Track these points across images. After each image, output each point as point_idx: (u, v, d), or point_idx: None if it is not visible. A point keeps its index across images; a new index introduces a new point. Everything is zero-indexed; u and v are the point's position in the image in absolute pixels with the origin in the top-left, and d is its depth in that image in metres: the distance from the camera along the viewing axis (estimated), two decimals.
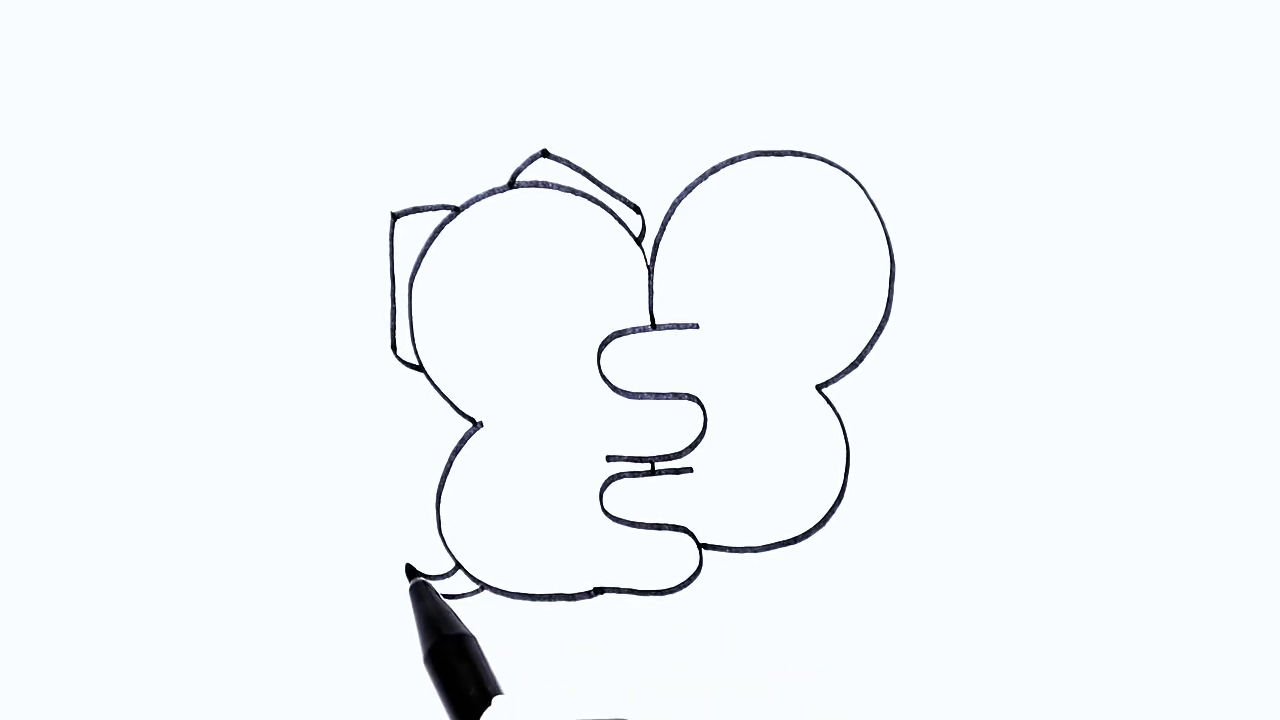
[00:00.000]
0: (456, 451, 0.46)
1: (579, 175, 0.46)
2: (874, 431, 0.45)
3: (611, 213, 0.46)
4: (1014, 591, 0.45)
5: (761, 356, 0.46)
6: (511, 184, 0.46)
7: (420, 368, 0.46)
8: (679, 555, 0.45)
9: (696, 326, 0.46)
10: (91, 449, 0.45)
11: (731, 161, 0.46)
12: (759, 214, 0.46)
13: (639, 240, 0.46)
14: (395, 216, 0.46)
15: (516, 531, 0.45)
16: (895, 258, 0.46)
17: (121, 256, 0.46)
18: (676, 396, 0.46)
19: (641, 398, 0.46)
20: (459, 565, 0.45)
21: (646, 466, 0.46)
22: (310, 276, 0.46)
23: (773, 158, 0.46)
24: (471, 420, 0.46)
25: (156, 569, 0.45)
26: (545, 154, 0.46)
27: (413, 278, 0.46)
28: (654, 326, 0.46)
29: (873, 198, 0.46)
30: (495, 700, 0.39)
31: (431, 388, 0.46)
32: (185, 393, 0.46)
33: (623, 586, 0.45)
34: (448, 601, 0.44)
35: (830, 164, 0.46)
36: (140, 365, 0.46)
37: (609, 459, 0.46)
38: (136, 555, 0.45)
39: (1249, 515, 0.45)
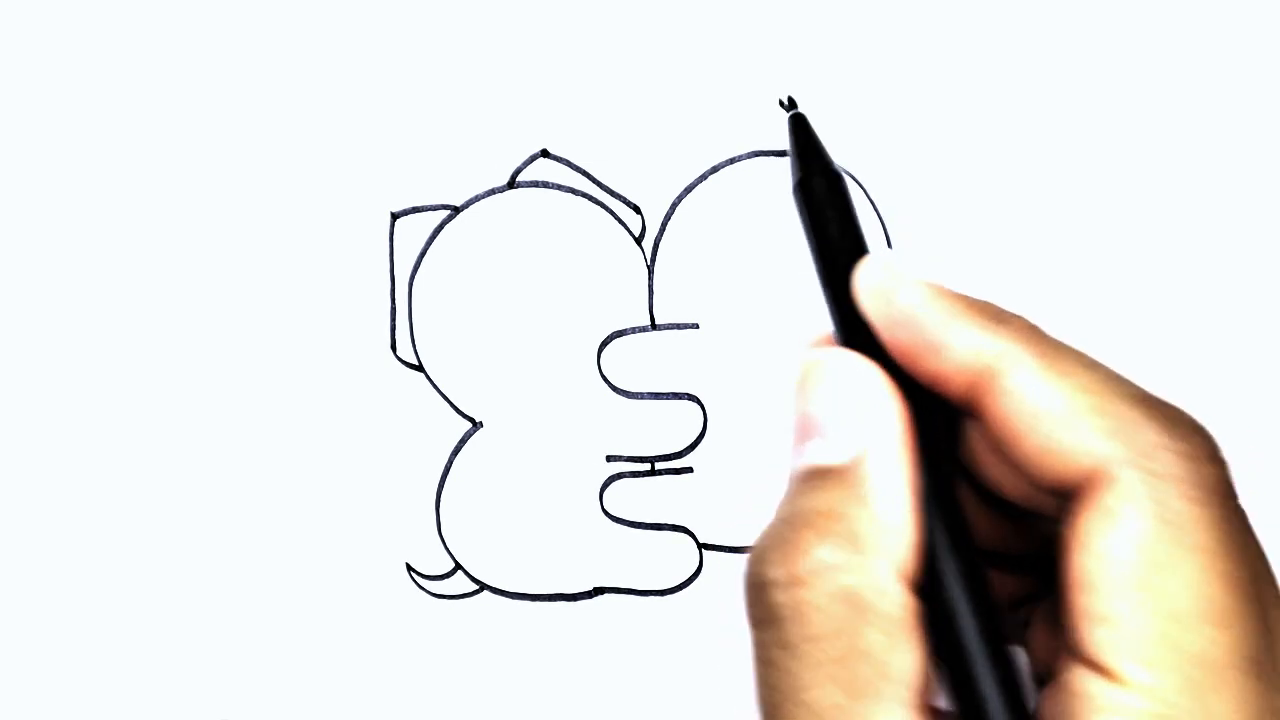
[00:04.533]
0: (456, 451, 0.46)
1: (579, 175, 0.46)
2: None
3: (611, 213, 0.46)
4: None
5: (761, 356, 0.46)
6: (511, 184, 0.46)
7: (420, 368, 0.46)
8: (679, 555, 0.45)
9: (696, 326, 0.46)
10: (89, 448, 0.45)
11: (731, 161, 0.46)
12: (759, 214, 0.46)
13: (639, 240, 0.46)
14: (395, 216, 0.46)
15: (516, 532, 0.45)
16: None
17: (121, 257, 0.46)
18: (676, 396, 0.46)
19: (641, 398, 0.46)
20: (459, 565, 0.45)
21: (646, 466, 0.45)
22: (310, 276, 0.46)
23: (773, 158, 0.46)
24: (471, 420, 0.46)
25: (154, 569, 0.45)
26: (545, 154, 0.46)
27: (413, 278, 0.46)
28: (654, 326, 0.46)
29: (873, 198, 0.46)
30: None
31: (431, 388, 0.46)
32: (184, 393, 0.46)
33: (623, 586, 0.45)
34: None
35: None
36: (139, 365, 0.46)
37: (609, 459, 0.45)
38: (134, 556, 0.45)
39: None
